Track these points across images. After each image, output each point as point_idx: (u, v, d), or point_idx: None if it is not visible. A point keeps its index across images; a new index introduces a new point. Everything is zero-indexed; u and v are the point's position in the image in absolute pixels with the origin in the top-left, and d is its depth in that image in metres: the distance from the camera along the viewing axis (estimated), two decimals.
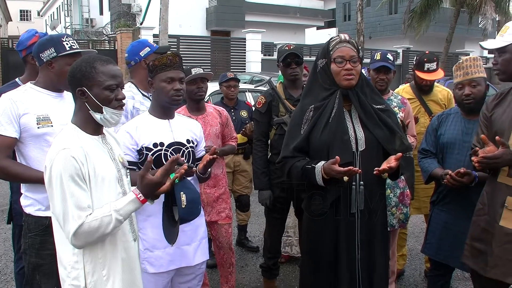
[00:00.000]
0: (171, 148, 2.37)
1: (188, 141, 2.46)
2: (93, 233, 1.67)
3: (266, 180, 3.31)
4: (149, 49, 2.97)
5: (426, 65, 3.68)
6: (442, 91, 3.87)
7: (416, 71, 3.76)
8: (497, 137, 2.18)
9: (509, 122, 2.26)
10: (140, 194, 1.74)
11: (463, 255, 2.47)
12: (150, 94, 2.92)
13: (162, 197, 1.97)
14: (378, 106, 2.33)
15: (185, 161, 2.33)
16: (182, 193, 1.98)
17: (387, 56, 3.32)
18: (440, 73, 3.75)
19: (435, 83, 3.92)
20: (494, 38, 2.36)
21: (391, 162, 2.13)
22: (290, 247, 4.22)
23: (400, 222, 3.29)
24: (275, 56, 15.74)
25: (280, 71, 3.45)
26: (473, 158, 2.23)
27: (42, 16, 40.59)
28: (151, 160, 1.79)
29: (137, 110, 2.85)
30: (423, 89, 3.80)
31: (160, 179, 1.74)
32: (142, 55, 2.96)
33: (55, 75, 2.39)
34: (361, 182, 2.22)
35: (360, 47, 2.40)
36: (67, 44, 2.38)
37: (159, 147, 2.35)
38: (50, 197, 1.71)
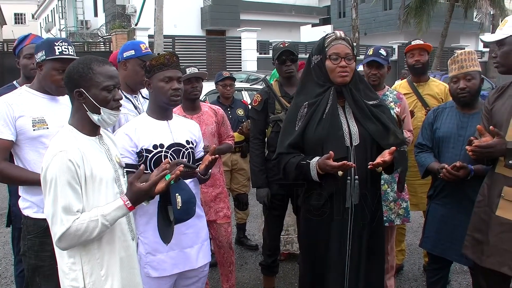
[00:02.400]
0: (171, 150, 2.34)
1: (187, 142, 2.43)
2: (79, 237, 1.69)
3: (263, 177, 3.31)
4: (133, 53, 2.79)
5: (414, 42, 3.79)
6: (439, 86, 3.87)
7: (406, 52, 3.82)
8: (491, 127, 2.20)
9: (507, 114, 2.28)
10: (128, 201, 1.76)
11: (463, 246, 2.48)
12: (134, 96, 2.88)
13: (157, 197, 1.98)
14: (372, 102, 2.34)
15: (186, 161, 2.33)
16: (177, 194, 2.00)
17: (380, 51, 3.32)
18: (428, 46, 3.80)
19: (432, 78, 3.92)
20: (490, 32, 2.38)
21: (385, 156, 2.15)
22: (290, 244, 4.23)
23: (401, 217, 3.29)
24: (270, 55, 15.69)
25: (275, 69, 3.45)
26: (466, 147, 2.26)
27: (36, 19, 40.47)
28: (143, 168, 1.83)
29: None
30: (417, 71, 3.77)
31: (148, 188, 1.77)
32: (124, 56, 2.81)
33: (43, 78, 2.39)
34: (356, 177, 2.22)
35: (355, 44, 2.41)
36: (58, 49, 2.35)
37: (159, 149, 2.32)
38: (44, 197, 1.73)
